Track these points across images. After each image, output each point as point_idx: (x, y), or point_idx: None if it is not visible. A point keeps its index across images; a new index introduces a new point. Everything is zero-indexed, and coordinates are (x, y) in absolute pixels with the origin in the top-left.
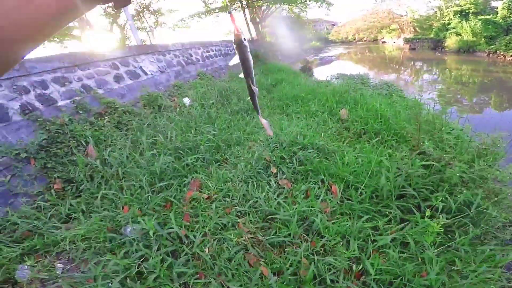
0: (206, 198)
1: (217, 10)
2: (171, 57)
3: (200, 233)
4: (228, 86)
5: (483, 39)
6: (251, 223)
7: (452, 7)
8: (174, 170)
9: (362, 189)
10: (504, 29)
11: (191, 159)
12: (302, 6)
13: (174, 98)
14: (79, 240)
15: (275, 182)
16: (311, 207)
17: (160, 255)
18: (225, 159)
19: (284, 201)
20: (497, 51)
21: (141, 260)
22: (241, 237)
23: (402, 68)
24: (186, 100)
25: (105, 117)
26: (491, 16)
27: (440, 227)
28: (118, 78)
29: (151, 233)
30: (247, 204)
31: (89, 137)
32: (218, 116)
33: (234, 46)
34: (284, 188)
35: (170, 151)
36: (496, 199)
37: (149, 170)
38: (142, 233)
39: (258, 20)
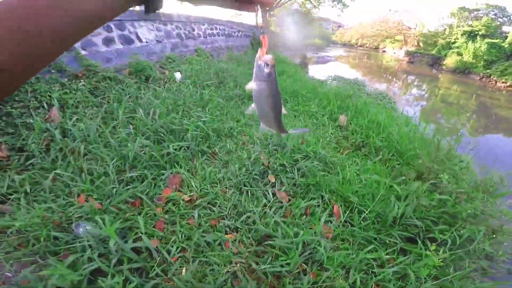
0: (187, 201)
1: None
2: (172, 28)
3: (177, 248)
4: (226, 67)
5: (482, 62)
6: (242, 243)
7: (463, 26)
8: (151, 158)
9: (367, 214)
10: (507, 55)
11: (173, 147)
12: (315, 2)
13: (165, 71)
14: (13, 232)
15: (272, 194)
16: (311, 229)
17: (122, 272)
18: (213, 152)
19: (282, 220)
20: (491, 76)
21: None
22: (231, 262)
23: (394, 79)
24: (178, 75)
25: (81, 80)
26: (498, 40)
27: (441, 261)
28: (108, 41)
29: (110, 243)
30: (239, 219)
31: (55, 100)
32: (210, 100)
33: (266, 73)
34: (282, 202)
35: (150, 132)
36: (494, 236)
37: (119, 152)
38: (99, 238)
39: (267, 7)
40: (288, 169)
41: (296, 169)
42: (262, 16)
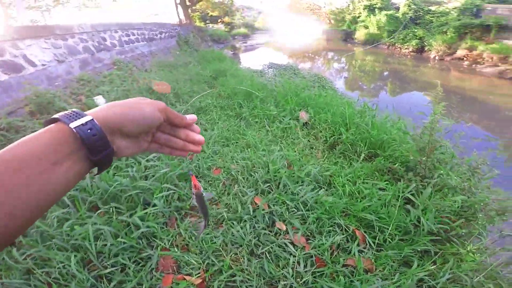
0: (199, 285)
1: None
2: (75, 42)
3: None
4: (158, 78)
5: (385, 33)
6: None
7: (362, 1)
8: (118, 242)
9: (391, 231)
10: (403, 24)
11: (139, 216)
12: None
13: (81, 97)
14: None
15: (291, 244)
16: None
17: None
18: (191, 207)
19: (320, 272)
20: (395, 44)
21: None
22: None
23: (316, 57)
24: (100, 100)
25: None
26: (393, 11)
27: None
28: None
29: None
30: None
31: None
32: None
33: (197, 198)
34: (305, 248)
35: (96, 201)
36: (505, 218)
37: (72, 246)
38: None
39: (188, 3)
40: (292, 207)
41: (301, 204)
42: (184, 12)
